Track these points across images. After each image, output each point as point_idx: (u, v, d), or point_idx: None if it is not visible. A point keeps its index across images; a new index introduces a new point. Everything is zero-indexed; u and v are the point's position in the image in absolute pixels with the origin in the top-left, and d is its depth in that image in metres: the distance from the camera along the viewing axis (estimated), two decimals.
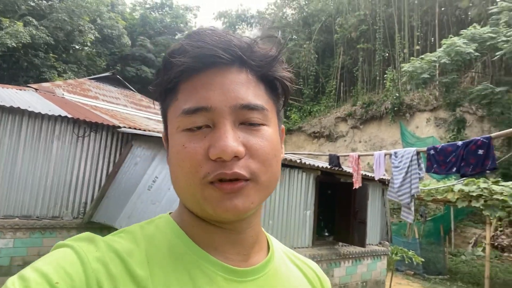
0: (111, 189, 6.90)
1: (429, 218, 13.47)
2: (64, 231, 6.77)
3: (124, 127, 7.25)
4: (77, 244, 0.51)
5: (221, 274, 0.55)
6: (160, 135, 5.41)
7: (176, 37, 28.01)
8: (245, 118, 0.53)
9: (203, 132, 0.53)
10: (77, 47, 21.37)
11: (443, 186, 9.64)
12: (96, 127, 7.22)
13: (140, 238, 0.55)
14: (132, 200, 6.01)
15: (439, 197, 9.91)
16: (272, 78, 0.58)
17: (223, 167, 0.50)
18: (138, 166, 6.54)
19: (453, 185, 9.35)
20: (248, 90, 0.54)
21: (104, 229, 7.11)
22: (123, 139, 7.50)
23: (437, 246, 11.20)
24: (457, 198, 9.34)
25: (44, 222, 6.57)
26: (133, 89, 12.92)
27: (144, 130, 7.12)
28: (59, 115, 6.72)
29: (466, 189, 9.15)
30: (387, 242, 8.05)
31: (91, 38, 19.94)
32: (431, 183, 10.62)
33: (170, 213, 0.63)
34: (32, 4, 18.69)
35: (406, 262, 8.14)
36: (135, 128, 7.21)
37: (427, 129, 17.84)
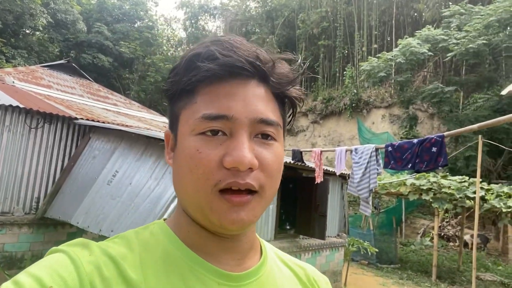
0: (66, 183, 6.60)
1: (383, 210, 14.13)
2: (15, 227, 6.39)
3: (82, 118, 6.94)
4: (71, 249, 0.51)
5: (215, 279, 0.55)
6: (121, 128, 5.20)
7: (136, 25, 27.04)
8: (261, 131, 0.55)
9: (219, 139, 0.53)
10: (27, 31, 20.03)
11: (397, 180, 10.15)
12: (50, 118, 6.84)
13: (134, 244, 0.56)
14: (90, 195, 5.79)
15: (392, 190, 10.44)
16: (286, 97, 0.60)
17: (236, 176, 0.51)
18: (97, 159, 6.29)
19: (406, 179, 9.87)
20: (267, 105, 0.56)
21: (58, 225, 6.81)
22: (80, 131, 7.17)
23: (389, 236, 11.77)
24: (409, 192, 9.90)
25: None
26: (90, 78, 12.35)
27: (103, 122, 6.85)
28: (10, 105, 6.29)
29: (417, 183, 9.72)
30: (344, 234, 8.37)
31: (43, 23, 18.74)
32: (386, 177, 11.13)
33: (164, 220, 0.63)
34: None
35: (362, 252, 8.51)
36: (93, 120, 6.92)
37: (382, 125, 18.62)
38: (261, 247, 0.68)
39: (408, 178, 9.79)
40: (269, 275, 0.63)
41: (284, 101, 0.61)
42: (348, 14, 22.29)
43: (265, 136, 0.55)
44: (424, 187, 9.56)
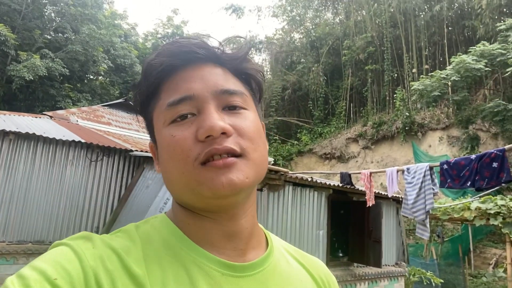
0: (122, 212, 6.92)
1: (447, 239, 13.10)
2: None
3: (136, 150, 7.34)
4: (74, 242, 0.51)
5: (218, 270, 0.55)
6: None
7: None
8: (227, 102, 0.57)
9: (189, 120, 0.55)
10: (91, 77, 21.96)
11: (459, 204, 9.41)
12: (108, 151, 7.32)
13: (135, 237, 0.56)
14: None
15: (455, 215, 9.63)
16: (245, 72, 0.63)
17: (213, 143, 0.53)
18: (150, 188, 6.57)
19: (469, 201, 9.13)
20: (226, 79, 0.59)
21: None
22: (135, 163, 7.57)
23: (456, 267, 10.84)
24: (474, 216, 9.07)
25: None
26: None
27: None
28: (73, 140, 6.85)
29: (483, 206, 8.90)
30: (403, 263, 7.82)
31: (104, 68, 20.49)
32: (447, 201, 10.38)
33: (165, 213, 0.64)
34: (49, 37, 19.43)
35: (425, 283, 7.88)
36: (146, 152, 7.28)
37: (440, 148, 17.61)
38: (267, 239, 0.67)
39: (472, 201, 9.03)
40: (275, 268, 0.62)
41: (247, 80, 0.63)
42: (395, 38, 21.90)
43: (233, 107, 0.57)
44: (492, 211, 8.72)
